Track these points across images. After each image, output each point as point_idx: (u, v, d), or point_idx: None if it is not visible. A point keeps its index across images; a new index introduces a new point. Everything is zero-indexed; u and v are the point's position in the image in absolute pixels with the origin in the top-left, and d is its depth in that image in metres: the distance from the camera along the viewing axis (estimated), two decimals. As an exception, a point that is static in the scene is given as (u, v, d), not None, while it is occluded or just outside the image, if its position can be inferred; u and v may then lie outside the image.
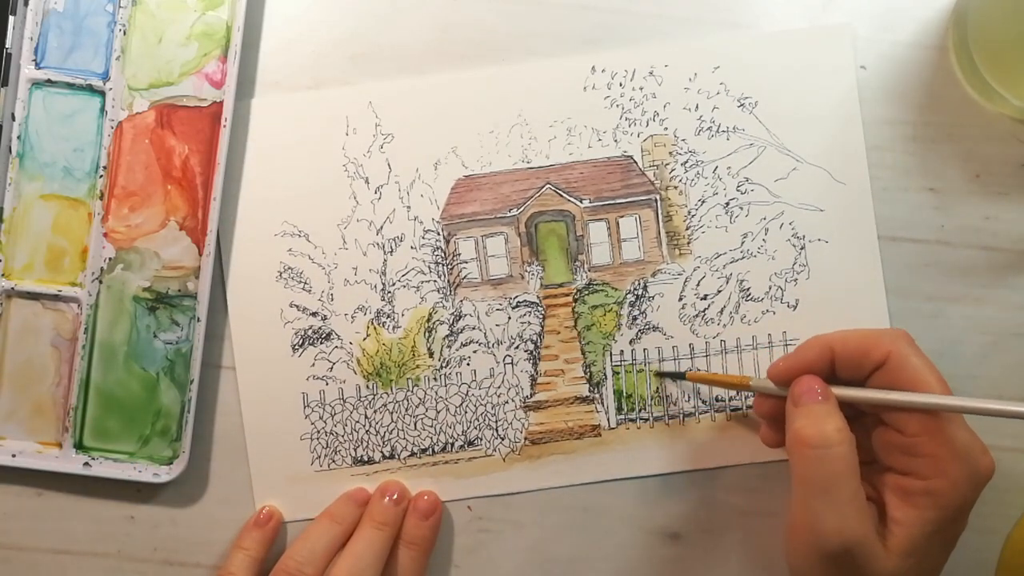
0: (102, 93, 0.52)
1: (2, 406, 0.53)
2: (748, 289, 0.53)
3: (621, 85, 0.53)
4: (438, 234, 0.53)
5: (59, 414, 0.53)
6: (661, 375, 0.53)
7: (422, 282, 0.53)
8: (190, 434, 0.52)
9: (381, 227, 0.53)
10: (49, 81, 0.52)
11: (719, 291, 0.53)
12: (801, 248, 0.53)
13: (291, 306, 0.53)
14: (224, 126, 0.51)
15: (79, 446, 0.53)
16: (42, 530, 0.53)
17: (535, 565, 0.53)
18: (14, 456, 0.52)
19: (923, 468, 0.44)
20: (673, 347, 0.53)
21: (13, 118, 0.52)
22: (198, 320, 0.52)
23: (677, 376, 0.52)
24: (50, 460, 0.52)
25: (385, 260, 0.53)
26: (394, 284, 0.53)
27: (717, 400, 0.53)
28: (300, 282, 0.53)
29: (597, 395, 0.53)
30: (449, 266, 0.53)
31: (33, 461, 0.52)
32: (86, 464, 0.52)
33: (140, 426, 0.52)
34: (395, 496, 0.52)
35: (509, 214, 0.53)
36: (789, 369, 0.47)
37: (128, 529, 0.53)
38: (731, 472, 0.53)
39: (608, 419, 0.53)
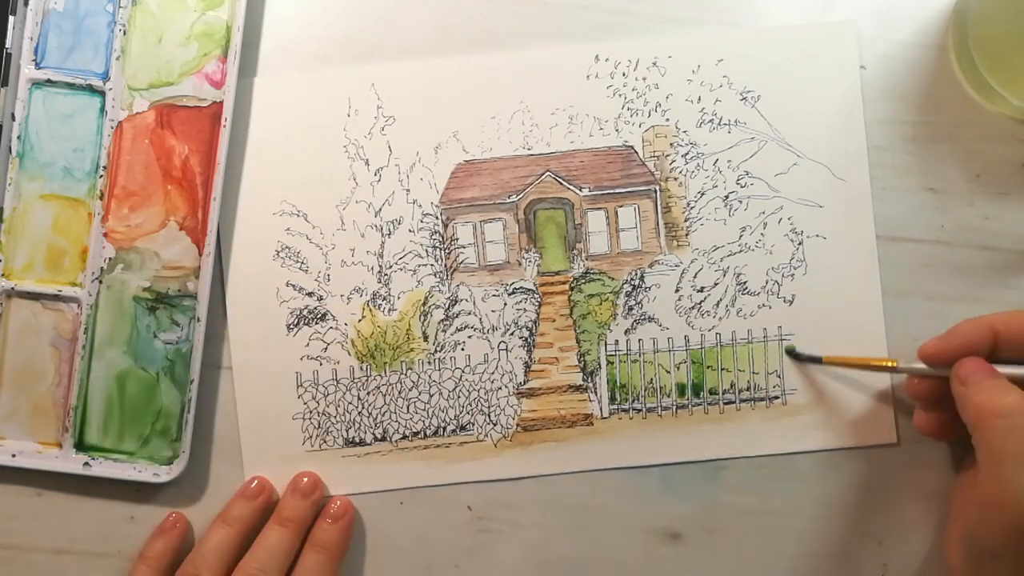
0: (102, 93, 0.52)
1: (2, 406, 0.53)
2: (745, 283, 0.53)
3: (624, 75, 0.53)
4: (436, 218, 0.53)
5: (59, 414, 0.53)
6: (793, 356, 0.52)
7: (419, 266, 0.53)
8: (190, 434, 0.52)
9: (380, 209, 0.53)
10: (49, 81, 0.53)
11: (716, 284, 0.53)
12: (799, 243, 0.53)
13: (287, 285, 0.53)
14: (224, 126, 0.51)
15: (79, 446, 0.52)
16: (42, 530, 0.53)
17: (535, 565, 0.53)
18: (14, 456, 0.52)
19: None
20: (668, 338, 0.53)
21: (13, 118, 0.52)
22: (198, 320, 0.52)
23: (812, 360, 0.52)
24: (50, 460, 0.52)
25: (383, 242, 0.53)
26: (391, 267, 0.53)
27: (711, 393, 0.53)
28: (297, 262, 0.53)
29: (590, 384, 0.53)
30: (447, 250, 0.53)
31: (33, 461, 0.52)
32: (86, 464, 0.52)
33: (140, 426, 0.52)
34: (304, 490, 0.51)
35: (508, 200, 0.53)
36: (948, 350, 0.47)
37: (128, 529, 0.53)
38: (731, 472, 0.53)
39: (601, 408, 0.53)
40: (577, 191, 0.53)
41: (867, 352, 0.52)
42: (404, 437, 0.53)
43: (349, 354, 0.53)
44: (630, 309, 0.53)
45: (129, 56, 0.52)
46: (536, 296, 0.53)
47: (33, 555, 0.53)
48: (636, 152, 0.53)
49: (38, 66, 0.53)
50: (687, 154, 0.53)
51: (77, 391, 0.52)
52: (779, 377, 0.53)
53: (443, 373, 0.53)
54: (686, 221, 0.53)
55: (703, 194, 0.53)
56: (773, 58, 0.53)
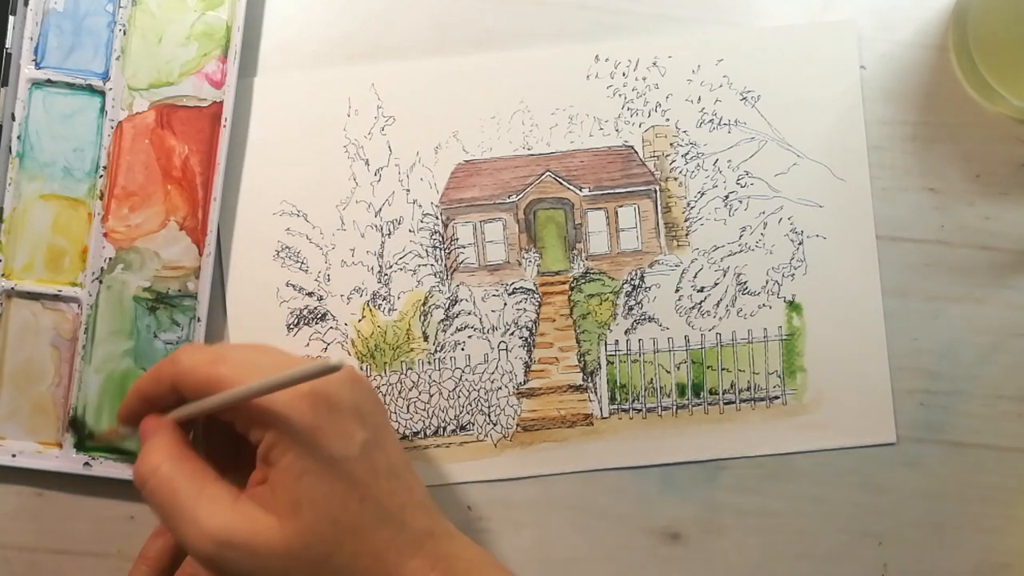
0: (102, 93, 0.52)
1: (2, 406, 0.52)
2: (745, 283, 0.53)
3: (624, 75, 0.53)
4: (436, 218, 0.53)
5: (59, 414, 0.52)
6: None
7: (419, 266, 0.53)
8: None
9: (380, 209, 0.53)
10: (49, 81, 0.52)
11: (716, 284, 0.53)
12: (799, 243, 0.53)
13: (287, 285, 0.53)
14: (224, 126, 0.51)
15: (79, 446, 0.52)
16: (42, 530, 0.53)
17: (535, 565, 0.53)
18: (14, 456, 0.52)
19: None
20: (668, 338, 0.53)
21: (13, 118, 0.52)
22: (198, 320, 0.52)
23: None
24: (50, 460, 0.52)
25: (383, 242, 0.53)
26: (391, 267, 0.53)
27: (711, 393, 0.53)
28: (297, 261, 0.53)
29: (590, 384, 0.53)
30: (447, 250, 0.53)
31: (33, 461, 0.52)
32: (86, 464, 0.52)
33: (140, 426, 0.52)
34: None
35: (508, 200, 0.53)
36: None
37: (128, 529, 0.53)
38: (731, 472, 0.53)
39: (601, 408, 0.53)
40: (577, 191, 0.53)
41: (867, 352, 0.52)
42: (404, 437, 0.53)
43: (349, 354, 0.53)
44: (630, 309, 0.53)
45: (129, 56, 0.52)
46: (536, 296, 0.53)
47: (33, 555, 0.53)
48: (636, 152, 0.53)
49: (38, 66, 0.53)
50: (687, 154, 0.53)
51: (77, 391, 0.52)
52: (779, 377, 0.53)
53: (443, 373, 0.53)
54: (686, 221, 0.53)
55: (703, 194, 0.53)
56: (773, 58, 0.53)
